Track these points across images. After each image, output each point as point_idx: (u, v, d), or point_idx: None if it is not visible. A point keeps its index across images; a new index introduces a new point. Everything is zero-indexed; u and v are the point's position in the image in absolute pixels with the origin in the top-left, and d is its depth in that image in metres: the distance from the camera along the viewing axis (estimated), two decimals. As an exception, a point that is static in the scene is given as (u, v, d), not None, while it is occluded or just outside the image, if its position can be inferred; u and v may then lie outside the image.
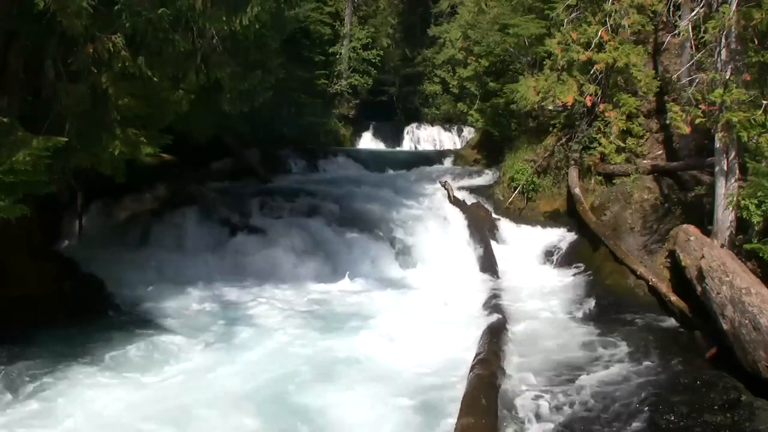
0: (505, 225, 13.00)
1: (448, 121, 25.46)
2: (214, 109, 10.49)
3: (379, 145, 24.95)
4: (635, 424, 5.76)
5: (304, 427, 5.72)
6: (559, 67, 12.51)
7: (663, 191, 10.89)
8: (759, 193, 7.26)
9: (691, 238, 8.17)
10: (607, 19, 11.86)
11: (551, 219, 12.80)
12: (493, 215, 13.37)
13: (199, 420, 5.77)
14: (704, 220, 8.71)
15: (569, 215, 12.36)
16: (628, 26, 11.70)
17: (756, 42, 7.60)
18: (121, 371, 6.74)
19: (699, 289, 7.47)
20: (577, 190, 12.07)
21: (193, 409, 5.93)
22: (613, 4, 11.77)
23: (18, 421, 5.69)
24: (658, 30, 13.36)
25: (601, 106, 12.32)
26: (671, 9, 11.45)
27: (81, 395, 6.15)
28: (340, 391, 6.37)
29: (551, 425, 5.82)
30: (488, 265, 11.17)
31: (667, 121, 10.69)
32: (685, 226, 8.65)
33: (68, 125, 6.83)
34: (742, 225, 7.93)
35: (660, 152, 12.27)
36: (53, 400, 6.06)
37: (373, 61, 25.45)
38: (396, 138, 25.29)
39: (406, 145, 25.03)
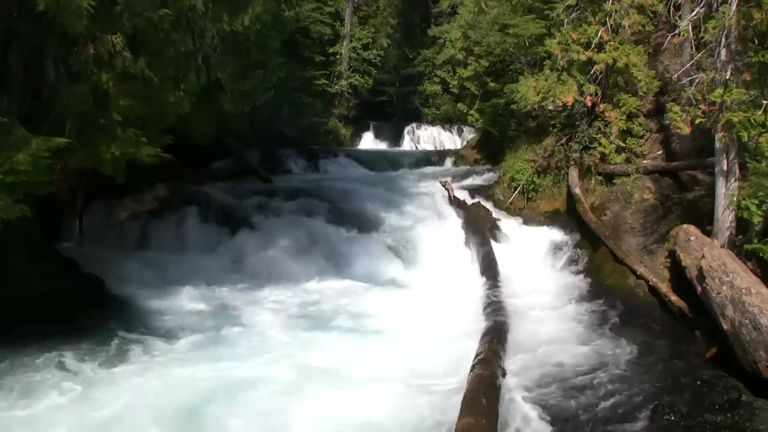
0: (505, 225, 12.99)
1: (448, 121, 25.51)
2: (215, 109, 10.50)
3: (379, 145, 24.99)
4: (635, 424, 5.77)
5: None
6: (559, 67, 12.51)
7: (663, 191, 10.88)
8: (759, 193, 7.26)
9: (692, 238, 8.17)
10: (607, 19, 11.86)
11: (551, 219, 12.80)
12: (494, 215, 13.36)
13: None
14: (704, 220, 8.71)
15: (569, 215, 12.36)
16: (628, 26, 11.71)
17: (756, 42, 7.60)
18: (109, 373, 6.73)
19: (699, 289, 7.47)
20: (577, 190, 12.07)
21: (162, 412, 5.89)
22: (613, 4, 11.78)
23: (10, 420, 5.70)
24: (658, 30, 13.36)
25: (601, 106, 12.32)
26: (671, 9, 11.44)
27: (67, 396, 6.17)
28: (332, 391, 6.34)
29: (551, 425, 5.82)
30: (488, 264, 11.14)
31: (667, 121, 10.71)
32: (685, 226, 8.65)
33: (69, 125, 6.84)
34: (741, 225, 7.93)
35: (660, 152, 12.27)
36: (45, 400, 6.07)
37: (373, 61, 25.49)
38: (396, 138, 25.34)
39: (407, 145, 25.07)
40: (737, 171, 7.95)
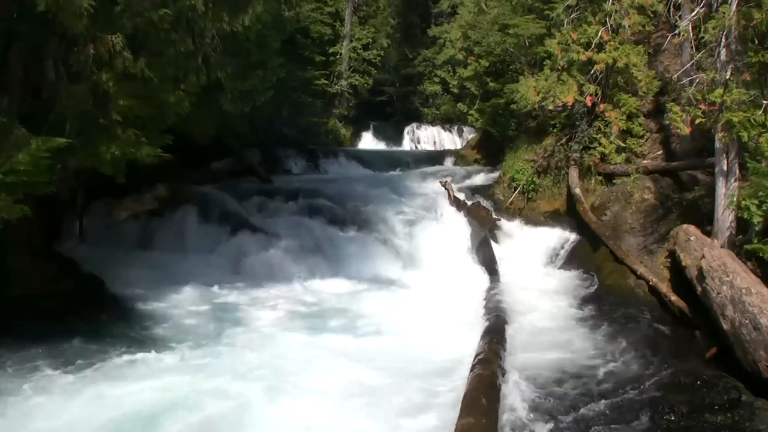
0: (505, 225, 13.00)
1: (448, 121, 25.52)
2: (215, 109, 10.50)
3: (379, 145, 25.01)
4: (636, 424, 5.77)
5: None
6: (559, 67, 12.51)
7: (663, 191, 10.89)
8: (759, 193, 7.26)
9: (692, 238, 8.18)
10: (607, 20, 11.86)
11: (551, 219, 12.79)
12: (494, 215, 13.37)
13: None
14: (704, 220, 8.72)
15: (569, 215, 12.36)
16: (628, 26, 11.71)
17: (756, 42, 7.60)
18: (105, 375, 6.62)
19: (699, 289, 7.48)
20: (577, 190, 12.07)
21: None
22: (613, 4, 11.77)
23: (11, 421, 5.66)
24: (658, 30, 13.36)
25: (601, 106, 12.32)
26: (671, 9, 11.45)
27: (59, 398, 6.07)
28: (330, 393, 6.29)
29: (552, 425, 5.82)
30: (488, 265, 11.16)
31: (667, 121, 10.70)
32: (685, 226, 8.65)
33: (69, 125, 6.84)
34: (741, 225, 7.93)
35: (660, 152, 12.27)
36: (41, 401, 6.00)
37: (373, 61, 25.49)
38: (396, 138, 25.35)
39: (407, 145, 25.09)
40: (737, 171, 7.95)
